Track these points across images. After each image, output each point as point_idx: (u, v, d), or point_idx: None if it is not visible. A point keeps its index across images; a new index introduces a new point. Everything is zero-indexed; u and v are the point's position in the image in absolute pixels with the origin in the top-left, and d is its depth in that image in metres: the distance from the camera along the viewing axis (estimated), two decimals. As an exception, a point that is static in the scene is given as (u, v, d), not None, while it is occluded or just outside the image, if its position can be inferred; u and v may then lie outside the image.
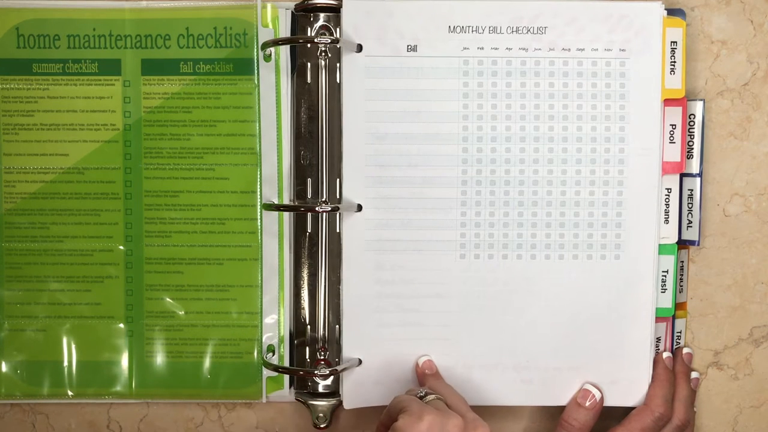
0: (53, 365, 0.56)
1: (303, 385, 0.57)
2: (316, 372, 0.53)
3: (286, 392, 0.56)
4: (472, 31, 0.53)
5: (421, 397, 0.47)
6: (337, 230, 0.54)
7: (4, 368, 0.56)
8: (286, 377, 0.56)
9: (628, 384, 0.54)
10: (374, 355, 0.54)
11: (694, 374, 0.56)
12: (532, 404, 0.56)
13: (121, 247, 0.56)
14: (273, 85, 0.54)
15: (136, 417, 0.58)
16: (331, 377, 0.56)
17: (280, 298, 0.55)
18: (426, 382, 0.52)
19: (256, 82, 0.54)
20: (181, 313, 0.56)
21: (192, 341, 0.56)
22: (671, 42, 0.53)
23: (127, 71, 0.55)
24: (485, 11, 0.53)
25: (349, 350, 0.54)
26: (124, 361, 0.56)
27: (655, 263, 0.54)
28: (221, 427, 0.58)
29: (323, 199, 0.54)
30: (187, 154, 0.55)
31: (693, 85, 0.56)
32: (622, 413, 0.54)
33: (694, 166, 0.55)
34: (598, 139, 0.53)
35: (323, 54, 0.54)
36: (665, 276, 0.54)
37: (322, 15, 0.54)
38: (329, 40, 0.52)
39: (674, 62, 0.53)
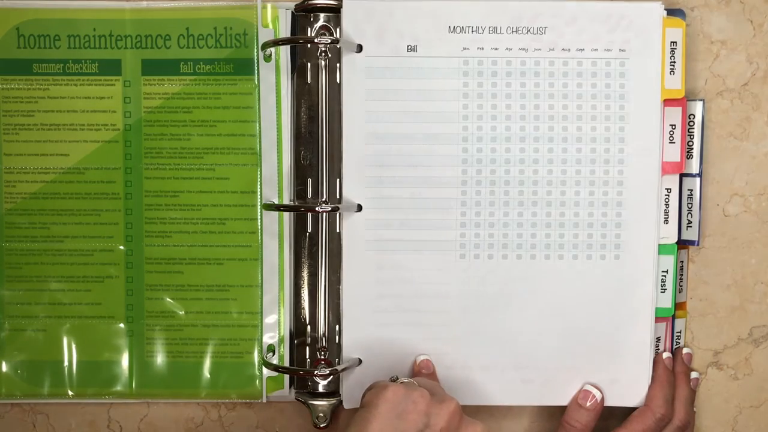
0: (53, 365, 0.56)
1: (303, 385, 0.57)
2: (316, 372, 0.53)
3: (286, 392, 0.56)
4: (472, 31, 0.53)
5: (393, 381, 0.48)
6: (337, 230, 0.54)
7: (4, 368, 0.56)
8: (286, 377, 0.56)
9: (629, 384, 0.54)
10: (374, 355, 0.54)
11: (693, 374, 0.56)
12: (532, 404, 0.56)
13: (122, 247, 0.56)
14: (273, 85, 0.54)
15: (136, 417, 0.58)
16: (331, 377, 0.56)
17: (280, 298, 0.55)
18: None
19: (256, 82, 0.54)
20: (182, 313, 0.56)
21: (192, 341, 0.56)
22: (671, 42, 0.53)
23: (128, 71, 0.55)
24: (485, 11, 0.53)
25: (349, 350, 0.54)
26: (125, 361, 0.56)
27: (654, 263, 0.54)
28: (221, 427, 0.58)
29: (323, 199, 0.54)
30: (188, 154, 0.55)
31: (693, 85, 0.56)
32: (622, 413, 0.54)
33: (694, 166, 0.55)
34: (597, 139, 0.53)
35: (323, 54, 0.54)
36: (665, 276, 0.54)
37: (322, 15, 0.54)
38: (329, 41, 0.52)
39: (674, 62, 0.53)
